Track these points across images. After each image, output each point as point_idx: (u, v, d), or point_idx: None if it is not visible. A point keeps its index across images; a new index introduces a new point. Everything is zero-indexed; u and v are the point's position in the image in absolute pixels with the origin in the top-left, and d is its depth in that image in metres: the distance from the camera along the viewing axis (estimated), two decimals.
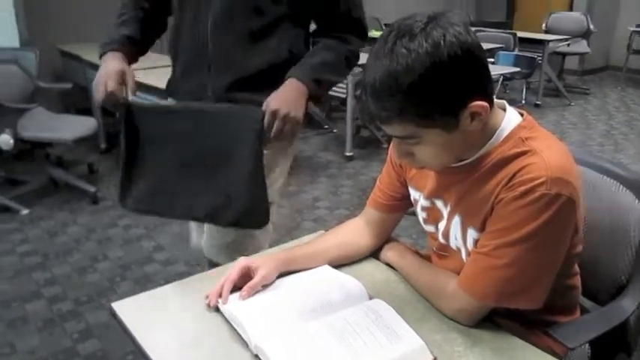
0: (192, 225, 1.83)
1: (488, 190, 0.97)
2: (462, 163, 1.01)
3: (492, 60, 4.62)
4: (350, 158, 4.28)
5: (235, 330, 1.00)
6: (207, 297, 1.08)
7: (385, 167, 1.24)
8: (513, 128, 0.98)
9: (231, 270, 1.09)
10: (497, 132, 0.98)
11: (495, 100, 1.01)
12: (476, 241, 1.00)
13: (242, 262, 1.10)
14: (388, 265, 1.22)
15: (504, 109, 1.01)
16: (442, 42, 0.85)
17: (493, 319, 1.03)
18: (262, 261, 1.11)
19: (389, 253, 1.22)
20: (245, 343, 0.96)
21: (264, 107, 1.33)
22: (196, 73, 1.50)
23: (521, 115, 1.02)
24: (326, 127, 5.06)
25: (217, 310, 1.06)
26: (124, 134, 1.39)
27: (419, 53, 0.84)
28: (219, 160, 1.33)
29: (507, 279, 0.95)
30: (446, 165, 1.01)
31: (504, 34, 5.65)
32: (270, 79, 1.41)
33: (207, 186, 1.34)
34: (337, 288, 1.09)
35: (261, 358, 0.92)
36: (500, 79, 4.70)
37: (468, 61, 0.87)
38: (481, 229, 0.99)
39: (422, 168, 1.04)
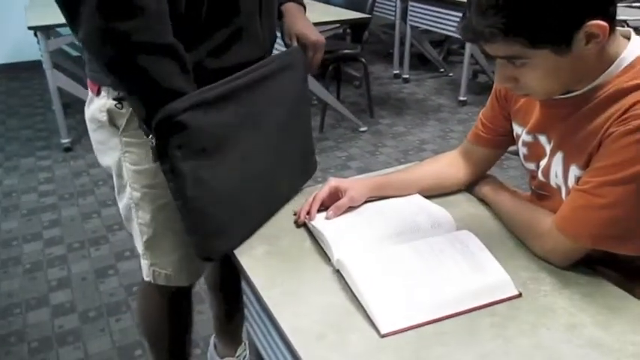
0: None
1: (597, 124, 0.89)
2: (572, 94, 0.93)
3: None
4: (463, 103, 4.12)
5: (320, 246, 1.03)
6: (295, 214, 1.12)
7: (489, 100, 1.18)
8: (636, 57, 0.88)
9: (321, 189, 1.11)
10: (617, 61, 0.88)
11: (620, 28, 0.91)
12: (578, 179, 0.94)
13: (332, 182, 1.12)
14: (482, 201, 1.18)
15: (628, 38, 0.91)
16: None
17: (593, 266, 0.97)
18: (352, 183, 1.12)
19: (484, 188, 1.18)
20: (328, 258, 0.99)
21: (293, 42, 1.20)
22: (254, 28, 1.14)
23: None
24: (441, 70, 4.88)
25: (305, 226, 1.10)
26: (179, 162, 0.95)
27: None
28: (290, 124, 1.16)
29: (607, 220, 0.88)
30: (552, 93, 0.94)
31: None
32: None
33: (290, 160, 1.18)
34: (425, 215, 1.08)
35: (341, 272, 0.95)
36: None
37: None
38: (585, 166, 0.92)
39: (525, 96, 0.97)
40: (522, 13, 0.79)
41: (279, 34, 1.28)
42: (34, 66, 4.53)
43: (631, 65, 0.87)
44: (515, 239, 1.05)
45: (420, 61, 5.00)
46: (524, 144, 1.08)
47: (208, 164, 0.98)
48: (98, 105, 1.11)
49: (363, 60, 3.77)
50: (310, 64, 1.22)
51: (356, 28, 3.77)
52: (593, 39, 0.82)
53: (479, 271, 0.93)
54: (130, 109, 1.07)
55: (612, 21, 0.84)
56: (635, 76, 0.86)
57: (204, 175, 0.97)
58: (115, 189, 1.20)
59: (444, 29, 4.03)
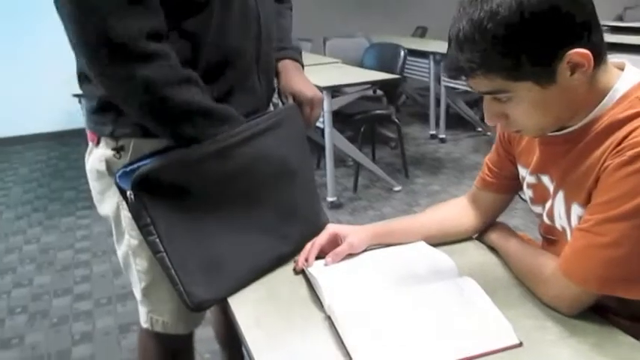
0: None
1: (594, 158, 0.84)
2: (568, 130, 0.90)
3: None
4: None
5: (316, 294, 1.00)
6: (294, 261, 1.10)
7: (495, 145, 1.15)
8: (631, 87, 0.84)
9: (320, 235, 1.09)
10: (611, 93, 0.85)
11: (614, 60, 0.89)
12: (580, 219, 0.88)
13: (330, 228, 1.09)
14: (492, 249, 1.13)
15: (622, 69, 0.88)
16: None
17: (606, 315, 0.90)
18: (352, 230, 1.10)
19: (493, 235, 1.13)
20: (322, 306, 0.96)
21: (289, 99, 1.22)
22: (251, 81, 1.16)
23: None
24: (479, 129, 4.84)
25: (304, 273, 1.07)
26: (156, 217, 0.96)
27: None
28: (285, 180, 1.13)
29: (612, 260, 0.81)
30: (544, 129, 0.90)
31: None
32: None
33: (288, 216, 1.13)
34: (426, 261, 1.04)
35: (332, 318, 0.91)
36: None
37: (565, 2, 0.76)
38: (586, 203, 0.86)
39: (518, 132, 0.93)
40: (498, 47, 0.78)
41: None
42: (84, 132, 4.79)
43: (624, 96, 0.84)
44: (522, 287, 0.99)
45: (458, 122, 4.99)
46: (529, 186, 1.04)
47: (187, 219, 0.99)
48: (97, 155, 1.13)
49: (397, 120, 3.79)
50: (307, 120, 1.22)
51: (389, 89, 3.82)
52: (578, 69, 0.80)
53: (476, 319, 0.87)
54: (128, 157, 1.09)
55: (598, 50, 0.81)
56: (629, 107, 0.82)
57: (182, 231, 0.99)
58: (114, 237, 1.20)
59: None
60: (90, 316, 2.34)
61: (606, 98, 0.85)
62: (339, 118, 3.42)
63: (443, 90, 4.45)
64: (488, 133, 4.76)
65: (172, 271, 0.98)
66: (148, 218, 0.96)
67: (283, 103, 1.24)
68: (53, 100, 4.78)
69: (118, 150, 1.10)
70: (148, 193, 0.95)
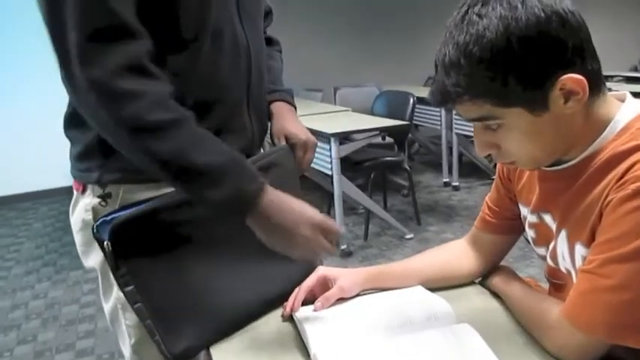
0: None
1: (596, 194, 0.78)
2: (568, 164, 0.84)
3: None
4: None
5: (303, 341, 0.94)
6: (284, 307, 1.04)
7: (494, 183, 1.10)
8: (632, 119, 0.79)
9: (308, 278, 1.03)
10: (611, 124, 0.80)
11: (615, 92, 0.84)
12: (585, 259, 0.81)
13: (320, 270, 1.03)
14: (496, 294, 1.05)
15: (624, 101, 0.83)
16: (520, 4, 0.72)
17: None
18: (343, 272, 1.04)
19: (495, 279, 1.05)
20: (308, 354, 0.89)
21: (282, 141, 1.17)
22: (241, 120, 1.11)
23: None
24: (493, 177, 4.75)
25: (292, 318, 1.01)
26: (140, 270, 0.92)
27: (491, 18, 0.72)
28: None
29: (619, 305, 0.74)
30: (539, 160, 0.84)
31: None
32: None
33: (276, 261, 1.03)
34: (421, 307, 0.97)
35: None
36: None
37: (555, 27, 0.72)
38: (589, 243, 0.80)
39: (512, 164, 0.88)
40: (485, 71, 0.74)
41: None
42: None
43: (626, 127, 0.79)
44: (527, 335, 0.91)
45: (472, 169, 4.93)
46: (531, 226, 0.97)
47: (167, 268, 0.94)
48: (83, 204, 1.07)
49: (407, 167, 3.74)
50: (300, 163, 1.18)
51: (398, 136, 3.79)
52: (572, 96, 0.75)
53: None
54: (116, 205, 1.03)
55: (594, 78, 0.76)
56: (631, 139, 0.77)
57: (162, 280, 0.94)
58: (101, 290, 1.13)
59: None
60: None
61: (607, 130, 0.80)
62: (349, 165, 3.39)
63: (455, 137, 4.42)
64: None
65: (150, 322, 0.92)
66: (125, 268, 0.91)
67: (274, 145, 1.21)
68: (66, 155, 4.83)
69: (104, 197, 1.04)
70: (126, 243, 0.90)
